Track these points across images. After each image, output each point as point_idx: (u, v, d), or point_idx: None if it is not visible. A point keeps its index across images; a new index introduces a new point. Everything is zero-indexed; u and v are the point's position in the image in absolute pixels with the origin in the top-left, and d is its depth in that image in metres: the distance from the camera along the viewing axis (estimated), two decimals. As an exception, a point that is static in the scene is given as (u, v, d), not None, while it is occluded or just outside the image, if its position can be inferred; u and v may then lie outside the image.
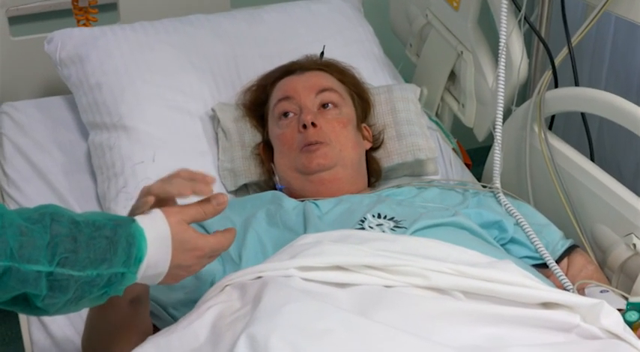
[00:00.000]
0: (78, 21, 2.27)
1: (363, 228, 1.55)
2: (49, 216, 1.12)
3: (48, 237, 1.10)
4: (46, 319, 1.72)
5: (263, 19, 2.22)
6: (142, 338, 1.31)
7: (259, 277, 1.32)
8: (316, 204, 1.69)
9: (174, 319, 1.48)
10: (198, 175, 1.28)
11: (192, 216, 1.26)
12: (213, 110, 1.99)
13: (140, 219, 1.22)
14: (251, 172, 1.92)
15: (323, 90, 1.83)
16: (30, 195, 1.96)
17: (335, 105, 1.83)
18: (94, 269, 1.13)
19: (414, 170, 2.01)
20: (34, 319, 1.73)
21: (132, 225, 1.19)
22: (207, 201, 1.28)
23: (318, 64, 1.94)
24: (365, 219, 1.58)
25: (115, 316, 1.39)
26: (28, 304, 1.12)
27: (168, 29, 2.13)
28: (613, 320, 1.26)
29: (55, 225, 1.11)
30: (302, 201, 1.72)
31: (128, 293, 1.32)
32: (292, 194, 1.79)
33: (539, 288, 1.30)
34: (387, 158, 1.97)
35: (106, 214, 1.21)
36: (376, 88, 2.04)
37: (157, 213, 1.23)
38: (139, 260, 1.18)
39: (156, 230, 1.21)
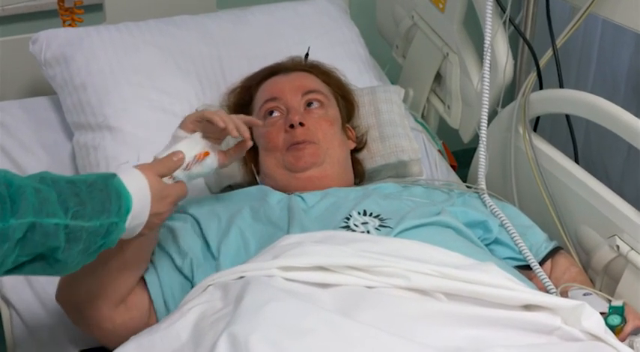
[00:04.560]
0: (64, 21, 2.27)
1: (348, 226, 1.55)
2: (49, 179, 1.21)
3: (56, 195, 1.19)
4: (30, 320, 1.71)
5: (249, 20, 2.21)
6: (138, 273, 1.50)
7: (242, 277, 1.32)
8: (302, 197, 1.69)
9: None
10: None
11: (161, 170, 1.42)
12: (197, 111, 1.98)
13: (120, 174, 1.32)
14: (234, 174, 1.91)
15: (309, 91, 1.83)
16: (14, 195, 1.95)
17: (321, 105, 1.83)
18: (97, 220, 1.23)
19: (398, 171, 2.00)
20: (16, 319, 1.72)
21: (115, 180, 1.30)
22: (167, 158, 1.46)
23: (303, 66, 1.93)
24: (350, 216, 1.58)
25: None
26: (46, 262, 1.20)
27: (153, 30, 2.12)
28: (594, 322, 1.26)
29: (57, 185, 1.21)
30: (288, 194, 1.72)
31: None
32: (278, 189, 1.78)
33: (521, 290, 1.30)
34: (371, 159, 1.97)
35: (89, 174, 1.31)
36: (360, 90, 2.03)
37: (133, 169, 1.36)
38: (127, 210, 1.29)
39: (137, 182, 1.33)
